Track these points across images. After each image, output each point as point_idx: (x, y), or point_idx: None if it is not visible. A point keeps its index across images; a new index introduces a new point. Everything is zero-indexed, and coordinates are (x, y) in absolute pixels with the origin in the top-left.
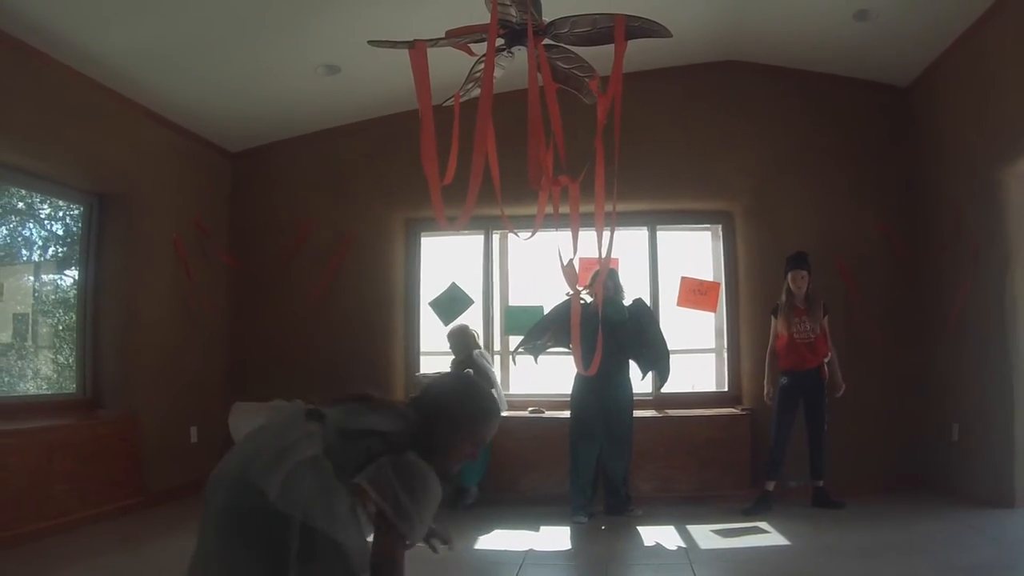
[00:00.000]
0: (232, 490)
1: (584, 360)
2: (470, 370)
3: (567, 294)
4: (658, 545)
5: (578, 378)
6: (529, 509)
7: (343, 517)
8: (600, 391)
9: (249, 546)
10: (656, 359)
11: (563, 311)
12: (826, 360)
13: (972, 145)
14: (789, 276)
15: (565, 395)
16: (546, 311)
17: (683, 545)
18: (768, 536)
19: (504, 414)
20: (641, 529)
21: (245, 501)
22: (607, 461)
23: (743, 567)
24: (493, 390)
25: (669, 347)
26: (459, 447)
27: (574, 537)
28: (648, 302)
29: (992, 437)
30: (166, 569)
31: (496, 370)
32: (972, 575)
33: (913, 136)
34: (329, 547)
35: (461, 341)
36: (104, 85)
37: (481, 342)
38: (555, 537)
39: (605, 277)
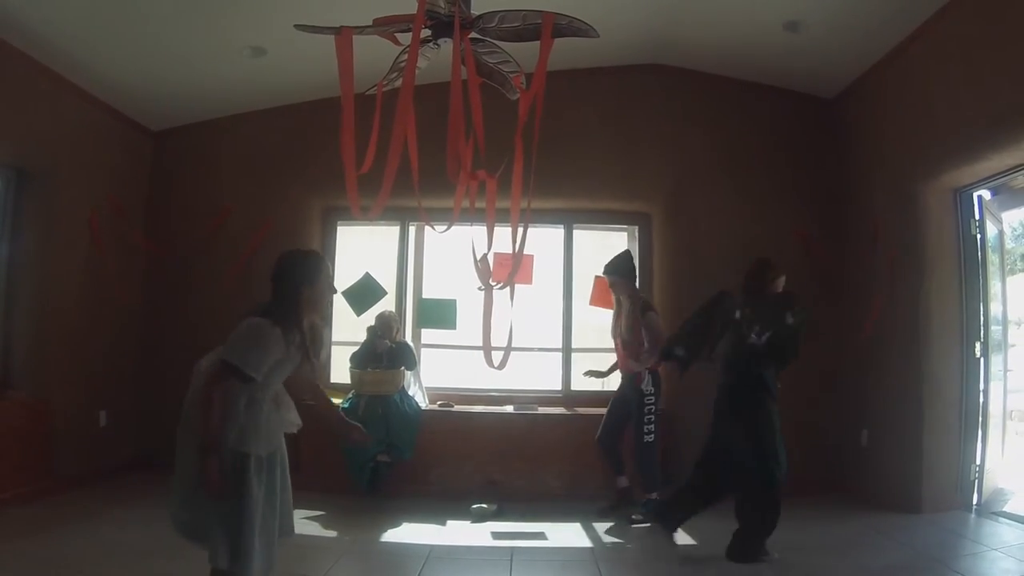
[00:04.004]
0: None
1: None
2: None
3: (479, 288)
4: (564, 542)
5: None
6: (436, 503)
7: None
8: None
9: None
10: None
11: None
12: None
13: (895, 158)
14: None
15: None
16: (458, 305)
17: (589, 543)
18: (676, 536)
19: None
20: (548, 526)
21: None
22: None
23: (648, 566)
24: (413, 374)
25: None
26: (303, 298)
27: (479, 532)
28: (561, 300)
29: (901, 444)
30: (73, 558)
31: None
32: None
33: (837, 147)
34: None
35: (388, 324)
36: (27, 55)
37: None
38: (461, 532)
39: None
